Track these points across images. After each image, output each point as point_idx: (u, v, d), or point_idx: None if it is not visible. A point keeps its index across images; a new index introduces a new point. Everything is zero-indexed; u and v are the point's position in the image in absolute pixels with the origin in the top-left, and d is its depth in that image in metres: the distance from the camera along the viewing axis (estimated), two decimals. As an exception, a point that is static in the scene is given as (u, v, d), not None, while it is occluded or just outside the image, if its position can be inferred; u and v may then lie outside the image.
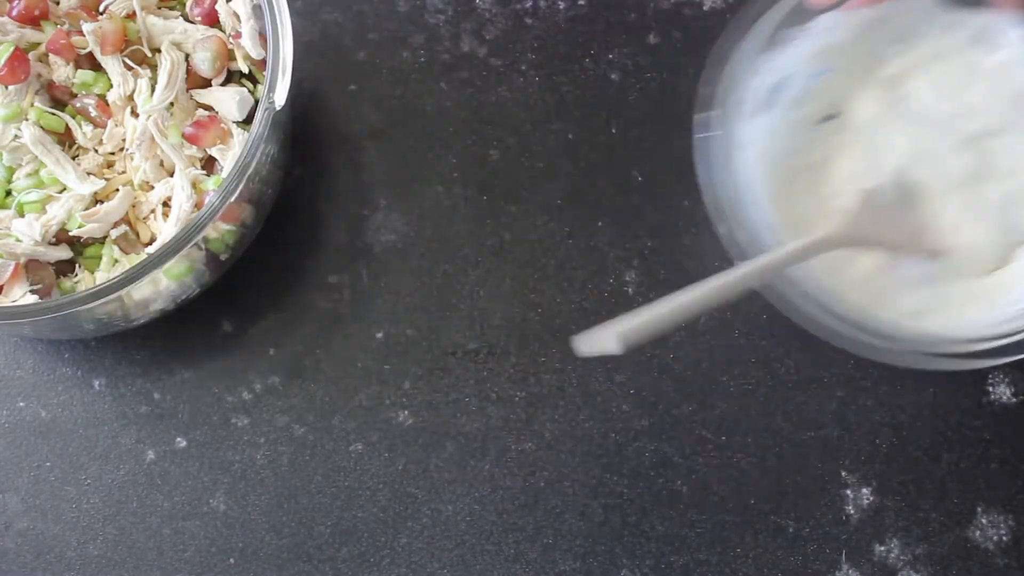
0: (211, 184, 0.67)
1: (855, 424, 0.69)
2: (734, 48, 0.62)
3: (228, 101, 0.68)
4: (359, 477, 0.70)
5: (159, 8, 0.72)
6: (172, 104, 0.68)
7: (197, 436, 0.71)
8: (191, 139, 0.67)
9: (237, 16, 0.69)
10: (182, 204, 0.66)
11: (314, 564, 0.68)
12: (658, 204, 0.73)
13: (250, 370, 0.72)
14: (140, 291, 0.64)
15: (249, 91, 0.69)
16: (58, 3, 0.71)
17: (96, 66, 0.69)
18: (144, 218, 0.68)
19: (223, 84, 0.70)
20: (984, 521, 0.67)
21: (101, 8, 0.70)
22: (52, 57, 0.69)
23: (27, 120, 0.68)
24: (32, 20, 0.69)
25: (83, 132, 0.68)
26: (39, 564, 0.69)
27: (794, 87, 0.66)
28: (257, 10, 0.67)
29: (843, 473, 0.68)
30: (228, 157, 0.67)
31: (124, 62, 0.68)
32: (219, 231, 0.66)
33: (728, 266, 0.56)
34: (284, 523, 0.69)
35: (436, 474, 0.70)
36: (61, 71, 0.69)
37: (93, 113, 0.68)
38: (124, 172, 0.69)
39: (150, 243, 0.68)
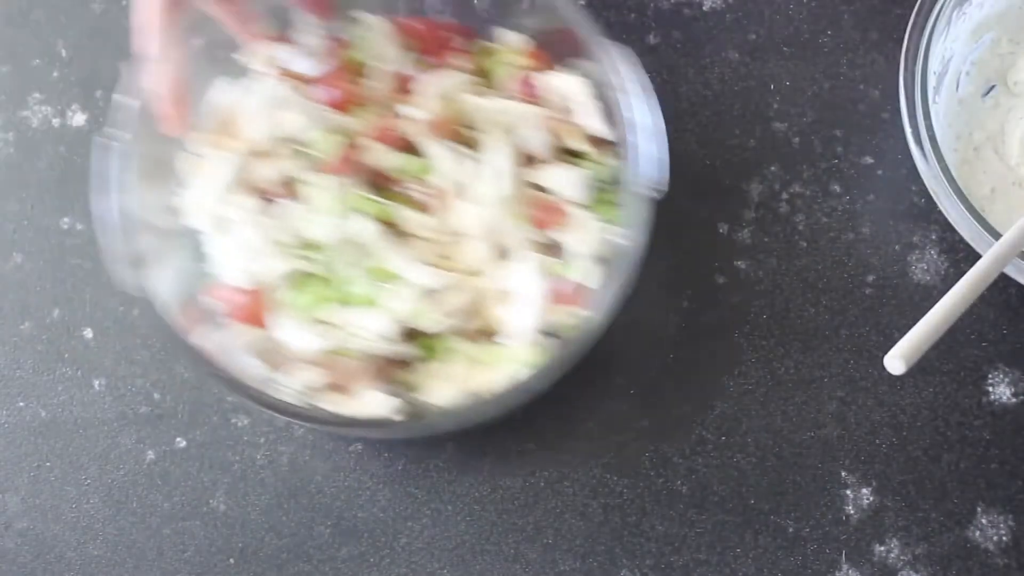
0: (565, 270, 0.64)
1: (855, 424, 0.69)
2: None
3: (567, 181, 0.65)
4: (359, 477, 0.70)
5: (473, 86, 0.69)
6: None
7: (197, 436, 0.71)
8: (537, 224, 0.64)
9: (567, 93, 0.66)
10: (532, 292, 0.63)
11: (314, 564, 0.68)
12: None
13: (250, 370, 0.72)
14: (490, 380, 0.63)
15: (589, 167, 0.66)
16: (368, 89, 0.68)
17: (413, 149, 0.66)
18: (486, 307, 0.65)
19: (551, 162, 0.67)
20: (984, 521, 0.67)
21: (413, 88, 0.67)
22: (371, 144, 0.66)
23: (358, 211, 0.65)
24: (346, 106, 0.67)
25: (413, 220, 0.65)
26: (39, 564, 0.69)
27: (955, 67, 0.70)
28: (600, 87, 0.65)
29: (843, 473, 0.68)
30: (575, 240, 0.64)
31: (450, 145, 0.66)
32: (569, 315, 0.63)
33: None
34: (284, 523, 0.69)
35: (436, 474, 0.69)
36: (383, 157, 0.66)
37: (421, 200, 0.65)
38: (461, 260, 0.66)
39: (494, 334, 0.65)
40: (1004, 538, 0.67)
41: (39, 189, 0.76)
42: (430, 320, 0.64)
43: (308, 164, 0.67)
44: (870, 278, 0.71)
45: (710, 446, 0.69)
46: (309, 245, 0.66)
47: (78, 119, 0.77)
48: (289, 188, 0.67)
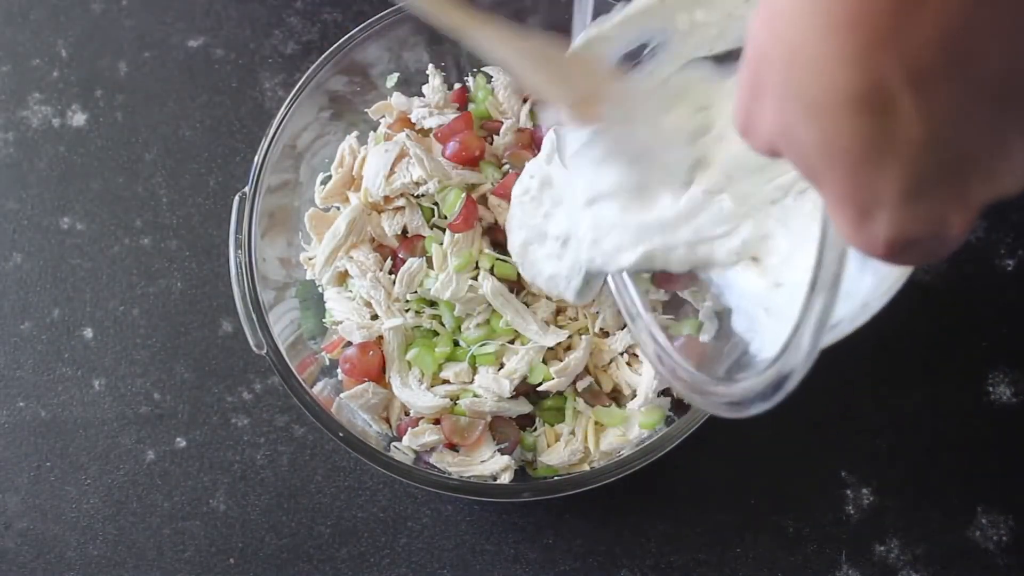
0: (686, 329, 0.60)
1: (855, 424, 0.69)
2: None
3: None
4: (359, 477, 0.70)
5: None
6: None
7: (197, 436, 0.71)
8: (661, 283, 0.62)
9: None
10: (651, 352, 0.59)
11: (314, 564, 0.68)
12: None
13: (250, 370, 0.72)
14: (608, 443, 0.64)
15: None
16: (491, 143, 0.68)
17: None
18: (604, 367, 0.65)
19: None
20: (984, 521, 0.67)
21: (539, 142, 0.66)
22: (492, 199, 0.67)
23: (480, 268, 0.65)
24: (470, 161, 0.67)
25: None
26: (39, 564, 0.69)
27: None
28: None
29: (843, 473, 0.68)
30: (698, 298, 0.61)
31: None
32: None
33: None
34: (284, 523, 0.69)
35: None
36: (504, 214, 0.64)
37: None
38: (577, 319, 0.66)
39: (612, 393, 0.65)
40: (1004, 538, 0.67)
41: (39, 189, 0.76)
42: (548, 379, 0.64)
43: (430, 219, 0.67)
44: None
45: (710, 446, 0.69)
46: (428, 301, 0.66)
47: (78, 119, 0.77)
48: (410, 243, 0.67)
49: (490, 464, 0.63)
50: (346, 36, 0.66)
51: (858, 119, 0.30)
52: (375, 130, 0.70)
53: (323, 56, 0.65)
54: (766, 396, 0.45)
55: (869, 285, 0.45)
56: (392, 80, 0.70)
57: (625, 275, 0.55)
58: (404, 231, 0.68)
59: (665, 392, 0.64)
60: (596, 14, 0.48)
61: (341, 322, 0.67)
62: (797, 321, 0.39)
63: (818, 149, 0.32)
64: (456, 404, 0.64)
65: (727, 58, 0.35)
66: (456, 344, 0.66)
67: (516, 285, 0.66)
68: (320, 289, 0.69)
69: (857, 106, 0.30)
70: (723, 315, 0.56)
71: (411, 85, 0.71)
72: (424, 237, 0.67)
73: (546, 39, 0.48)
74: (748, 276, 0.50)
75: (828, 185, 0.33)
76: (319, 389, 0.64)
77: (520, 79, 0.50)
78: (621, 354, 0.65)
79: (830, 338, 0.46)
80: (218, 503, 0.70)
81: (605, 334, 0.66)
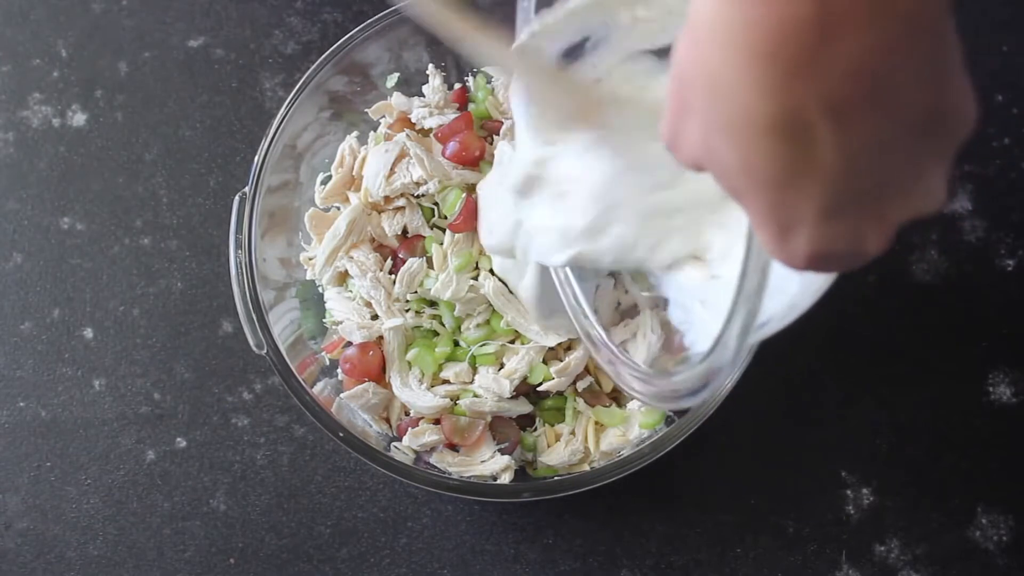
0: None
1: (855, 424, 0.69)
2: None
3: None
4: (359, 477, 0.70)
5: None
6: None
7: (197, 436, 0.71)
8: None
9: None
10: (651, 345, 0.61)
11: (314, 564, 0.68)
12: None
13: (250, 370, 0.72)
14: (608, 443, 0.64)
15: None
16: (492, 143, 0.68)
17: None
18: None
19: None
20: (984, 521, 0.67)
21: None
22: None
23: (481, 268, 0.65)
24: (470, 161, 0.67)
25: None
26: (39, 564, 0.69)
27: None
28: None
29: (843, 473, 0.68)
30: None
31: None
32: None
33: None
34: (284, 523, 0.69)
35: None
36: None
37: None
38: None
39: (612, 393, 0.65)
40: (1004, 538, 0.67)
41: (39, 189, 0.76)
42: (548, 379, 0.64)
43: (430, 219, 0.67)
44: (870, 278, 0.71)
45: (710, 446, 0.69)
46: (428, 301, 0.66)
47: (78, 119, 0.77)
48: (410, 243, 0.67)
49: (490, 464, 0.63)
50: (346, 36, 0.66)
51: (776, 145, 0.31)
52: (375, 130, 0.70)
53: (323, 56, 0.65)
54: (696, 391, 0.46)
55: (797, 286, 0.46)
56: (392, 80, 0.70)
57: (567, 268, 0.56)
58: (404, 231, 0.68)
59: None
60: (539, 8, 0.49)
61: (341, 322, 0.67)
62: (724, 324, 0.40)
63: (739, 171, 0.33)
64: (456, 404, 0.64)
65: (669, 52, 0.36)
66: (456, 344, 0.66)
67: None
68: (320, 289, 0.69)
69: (775, 133, 0.31)
70: (660, 306, 0.57)
71: (411, 85, 0.71)
72: (424, 237, 0.67)
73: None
74: (685, 269, 0.50)
75: (750, 203, 0.34)
76: (319, 389, 0.64)
77: (519, 86, 0.50)
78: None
79: (759, 336, 0.48)
80: (218, 503, 0.70)
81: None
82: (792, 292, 0.46)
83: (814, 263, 0.35)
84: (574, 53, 0.50)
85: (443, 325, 0.66)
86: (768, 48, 0.30)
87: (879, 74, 0.30)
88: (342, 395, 0.64)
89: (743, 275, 0.38)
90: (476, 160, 0.67)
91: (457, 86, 0.71)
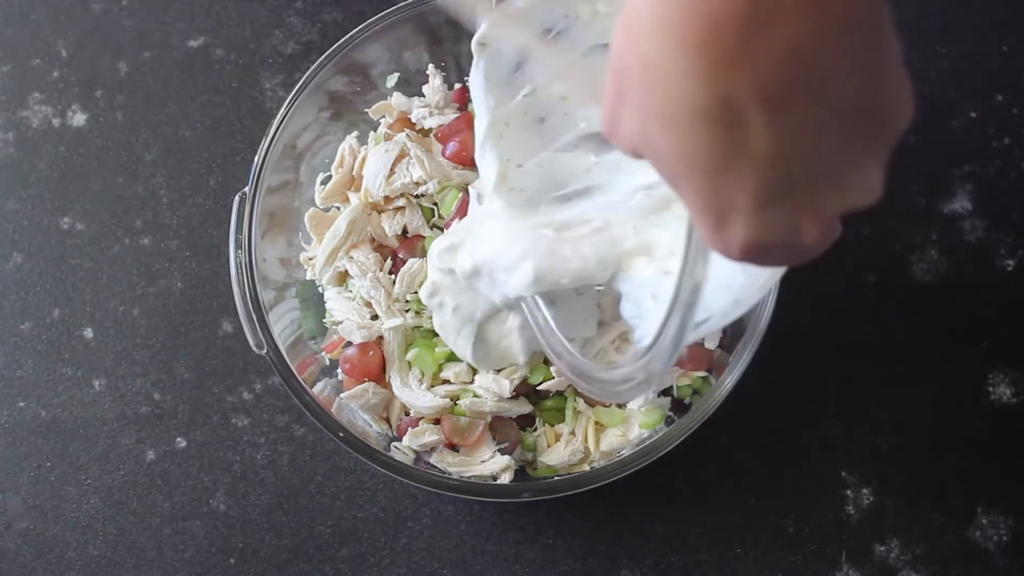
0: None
1: (855, 424, 0.69)
2: None
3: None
4: (359, 477, 0.70)
5: None
6: None
7: (197, 436, 0.71)
8: None
9: None
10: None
11: (314, 564, 0.68)
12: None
13: (250, 370, 0.72)
14: (608, 443, 0.64)
15: None
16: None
17: None
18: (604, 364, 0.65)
19: None
20: (984, 521, 0.67)
21: None
22: None
23: None
24: (470, 161, 0.66)
25: None
26: (39, 564, 0.69)
27: None
28: None
29: (843, 473, 0.68)
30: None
31: None
32: (691, 378, 0.64)
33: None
34: (284, 523, 0.69)
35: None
36: None
37: None
38: None
39: None
40: (1004, 538, 0.67)
41: (39, 189, 0.76)
42: (548, 379, 0.64)
43: (430, 219, 0.67)
44: (870, 278, 0.71)
45: (710, 446, 0.69)
46: None
47: (78, 119, 0.77)
48: (410, 243, 0.67)
49: (490, 464, 0.63)
50: (346, 36, 0.66)
51: (709, 132, 0.32)
52: (375, 130, 0.70)
53: (323, 56, 0.65)
54: (640, 386, 0.46)
55: (741, 282, 0.46)
56: (392, 80, 0.70)
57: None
58: (404, 231, 0.68)
59: (665, 392, 0.65)
60: None
61: (341, 322, 0.67)
62: (663, 319, 0.40)
63: (675, 157, 0.33)
64: (456, 404, 0.64)
65: None
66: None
67: None
68: (320, 289, 0.69)
69: (707, 119, 0.31)
70: (613, 300, 0.57)
71: (411, 85, 0.71)
72: (424, 237, 0.67)
73: None
74: (636, 265, 0.51)
75: (686, 190, 0.34)
76: (319, 389, 0.64)
77: None
78: (610, 345, 0.65)
79: (699, 333, 0.49)
80: (218, 503, 0.70)
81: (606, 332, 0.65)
82: (736, 288, 0.46)
83: (751, 253, 0.35)
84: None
85: None
86: (701, 35, 0.30)
87: (812, 63, 0.30)
88: (342, 395, 0.64)
89: (682, 270, 0.38)
90: (474, 161, 0.67)
91: (457, 86, 0.71)
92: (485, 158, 0.54)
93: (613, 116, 0.36)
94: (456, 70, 0.71)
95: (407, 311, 0.66)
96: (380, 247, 0.68)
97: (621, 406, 0.65)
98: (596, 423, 0.65)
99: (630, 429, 0.64)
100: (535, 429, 0.65)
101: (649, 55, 0.32)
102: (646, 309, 0.51)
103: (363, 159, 0.68)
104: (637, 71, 0.33)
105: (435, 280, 0.57)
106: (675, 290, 0.39)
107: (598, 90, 0.50)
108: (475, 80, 0.52)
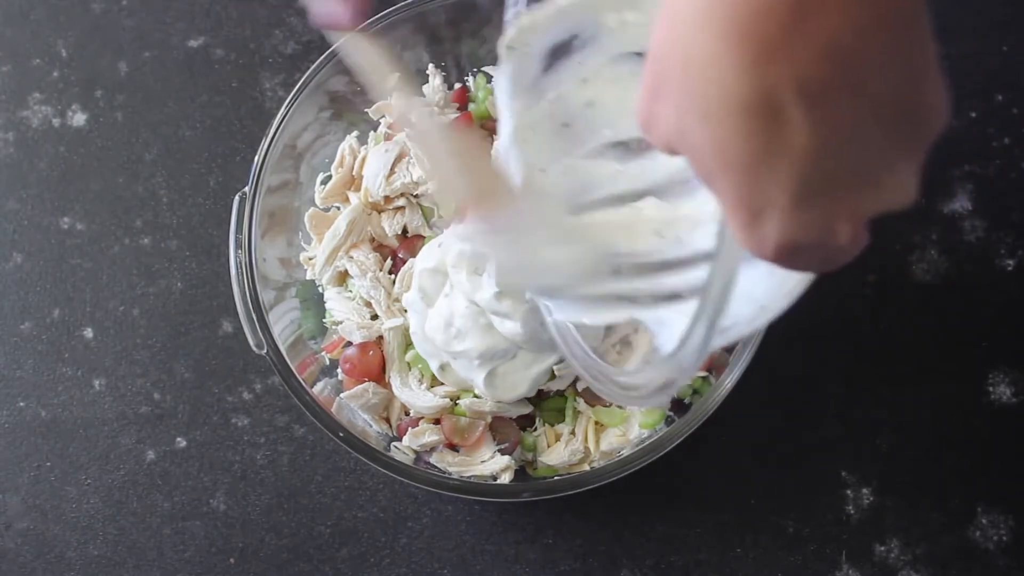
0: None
1: (855, 424, 0.69)
2: None
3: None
4: (359, 477, 0.70)
5: None
6: None
7: (197, 436, 0.71)
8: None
9: None
10: (651, 342, 0.58)
11: (314, 564, 0.68)
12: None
13: (250, 370, 0.72)
14: (608, 443, 0.64)
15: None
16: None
17: None
18: None
19: None
20: (984, 521, 0.67)
21: None
22: None
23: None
24: None
25: None
26: (39, 564, 0.69)
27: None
28: None
29: (843, 473, 0.68)
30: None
31: None
32: (691, 378, 0.64)
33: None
34: (284, 523, 0.69)
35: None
36: None
37: None
38: None
39: None
40: (1004, 538, 0.67)
41: (39, 189, 0.76)
42: (550, 379, 0.64)
43: (430, 219, 0.67)
44: (870, 278, 0.71)
45: (710, 445, 0.69)
46: None
47: (78, 119, 0.77)
48: (410, 243, 0.67)
49: (490, 464, 0.63)
50: (346, 36, 0.66)
51: (748, 125, 0.31)
52: (375, 130, 0.70)
53: (323, 56, 0.65)
54: (660, 391, 0.46)
55: (766, 290, 0.46)
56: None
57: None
58: (404, 231, 0.68)
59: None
60: (530, 4, 0.49)
61: (341, 322, 0.67)
62: (688, 325, 0.40)
63: (712, 152, 0.33)
64: (456, 404, 0.64)
65: None
66: None
67: None
68: (320, 289, 0.69)
69: (748, 113, 0.31)
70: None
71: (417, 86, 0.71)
72: (424, 237, 0.67)
73: (471, 135, 0.49)
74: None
75: (721, 186, 0.34)
76: (319, 389, 0.64)
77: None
78: (611, 347, 0.65)
79: (723, 340, 0.48)
80: (218, 503, 0.70)
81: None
82: (760, 296, 0.46)
83: (783, 253, 0.35)
84: (562, 51, 0.51)
85: None
86: (743, 27, 0.30)
87: (853, 58, 0.30)
88: (342, 395, 0.64)
89: (712, 271, 0.38)
90: None
91: (457, 86, 0.71)
92: (510, 163, 0.54)
93: (649, 110, 0.36)
94: (456, 70, 0.71)
95: (407, 311, 0.66)
96: (380, 247, 0.68)
97: (621, 406, 0.65)
98: (596, 423, 0.65)
99: (630, 429, 0.64)
100: (535, 429, 0.66)
101: (690, 47, 0.31)
102: (667, 317, 0.51)
103: (363, 159, 0.68)
104: (676, 63, 0.32)
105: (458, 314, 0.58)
106: (703, 293, 0.38)
107: (624, 98, 0.50)
108: (501, 84, 0.52)
